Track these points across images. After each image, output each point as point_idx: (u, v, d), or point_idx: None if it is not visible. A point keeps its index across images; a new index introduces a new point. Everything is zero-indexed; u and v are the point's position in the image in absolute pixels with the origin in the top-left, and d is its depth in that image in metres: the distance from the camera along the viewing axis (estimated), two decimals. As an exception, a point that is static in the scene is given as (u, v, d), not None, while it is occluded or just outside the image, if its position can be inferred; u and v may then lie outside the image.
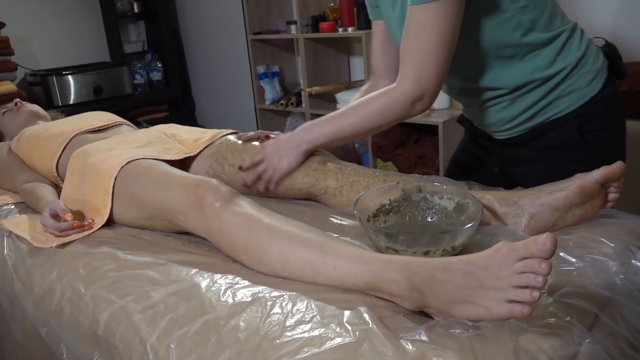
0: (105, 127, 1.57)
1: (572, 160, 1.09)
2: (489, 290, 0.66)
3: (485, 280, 0.66)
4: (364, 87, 1.28)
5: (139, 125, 3.57)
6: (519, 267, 0.64)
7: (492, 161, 1.26)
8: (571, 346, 0.64)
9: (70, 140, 1.47)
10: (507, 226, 0.96)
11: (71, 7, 3.47)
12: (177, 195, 1.04)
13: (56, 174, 1.46)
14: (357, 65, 2.82)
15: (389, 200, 1.02)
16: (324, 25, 2.52)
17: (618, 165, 0.89)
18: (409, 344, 0.67)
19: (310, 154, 1.19)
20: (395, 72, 1.06)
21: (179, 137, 1.41)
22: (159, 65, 3.65)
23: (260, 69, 2.89)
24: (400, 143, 2.45)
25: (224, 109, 3.71)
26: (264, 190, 1.20)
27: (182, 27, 3.76)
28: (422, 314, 0.76)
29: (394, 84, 1.02)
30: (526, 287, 0.63)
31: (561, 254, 0.82)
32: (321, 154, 1.24)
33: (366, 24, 2.41)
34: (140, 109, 3.63)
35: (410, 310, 0.76)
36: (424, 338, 0.68)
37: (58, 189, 1.44)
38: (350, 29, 2.44)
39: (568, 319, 0.68)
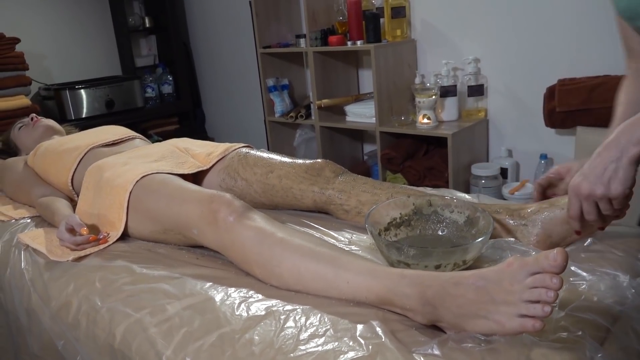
0: (119, 140, 1.60)
1: None
2: (501, 304, 0.67)
3: (497, 294, 0.67)
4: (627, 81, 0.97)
5: (150, 138, 3.62)
6: (530, 281, 0.65)
7: None
8: (583, 360, 0.65)
9: (85, 154, 1.49)
10: (518, 240, 0.97)
11: (84, 23, 3.53)
12: (191, 210, 1.06)
13: (71, 188, 1.48)
14: (365, 78, 2.84)
15: (400, 214, 1.03)
16: (332, 38, 2.54)
17: None
18: (422, 358, 0.68)
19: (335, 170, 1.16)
20: None
21: (192, 151, 1.44)
22: (170, 78, 3.69)
23: (270, 82, 2.92)
24: (409, 155, 2.46)
25: (234, 121, 3.74)
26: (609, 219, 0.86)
27: (192, 41, 3.81)
28: (434, 328, 0.76)
29: None
30: (538, 301, 0.64)
31: (572, 267, 0.83)
32: (333, 166, 1.25)
33: (375, 38, 2.43)
34: (151, 122, 3.67)
35: (423, 324, 0.76)
36: (436, 352, 0.68)
37: (73, 202, 1.47)
38: (359, 43, 2.46)
39: (580, 333, 0.69)
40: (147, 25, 3.66)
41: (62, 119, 3.16)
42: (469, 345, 0.69)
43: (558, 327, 0.70)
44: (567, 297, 0.75)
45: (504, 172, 2.29)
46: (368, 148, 2.95)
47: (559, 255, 0.63)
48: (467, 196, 1.25)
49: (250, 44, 3.26)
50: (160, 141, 3.63)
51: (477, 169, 2.26)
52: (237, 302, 0.86)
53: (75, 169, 1.48)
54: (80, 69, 3.51)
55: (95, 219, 1.27)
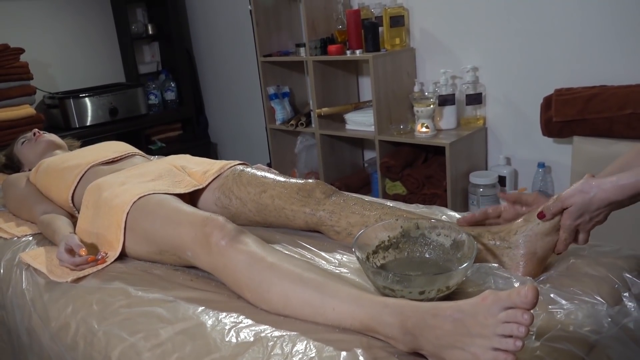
0: (119, 158, 1.63)
1: None
2: (476, 337, 0.69)
3: (472, 327, 0.70)
4: None
5: (153, 144, 3.66)
6: (503, 316, 0.67)
7: None
8: (556, 391, 0.67)
9: (85, 172, 1.53)
10: (504, 263, 0.99)
11: (88, 30, 3.57)
12: (185, 233, 1.09)
13: (72, 205, 1.52)
14: (365, 86, 2.86)
15: (389, 236, 1.05)
16: (332, 48, 2.56)
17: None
18: (402, 387, 0.71)
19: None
20: None
21: (189, 170, 1.47)
22: (173, 85, 3.73)
23: (271, 90, 2.94)
24: (408, 163, 2.48)
25: (237, 127, 3.77)
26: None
27: (195, 48, 3.84)
28: (416, 355, 0.79)
29: None
30: (510, 336, 0.66)
31: (552, 295, 0.85)
32: (324, 187, 1.27)
33: (374, 47, 2.45)
34: (154, 128, 3.71)
35: (405, 352, 0.79)
36: (416, 381, 0.71)
37: (74, 219, 1.50)
38: (358, 52, 2.48)
39: (554, 363, 0.71)
40: (150, 33, 3.70)
41: (66, 127, 3.21)
42: (448, 374, 0.72)
43: (533, 357, 0.72)
44: (544, 326, 0.78)
45: (502, 180, 2.31)
46: (368, 155, 2.97)
47: (529, 292, 0.65)
48: (456, 215, 1.27)
49: (251, 51, 3.29)
50: (164, 147, 3.67)
51: (475, 178, 2.28)
52: (227, 327, 0.89)
53: (76, 187, 1.51)
54: (84, 77, 3.56)
55: (94, 237, 1.31)
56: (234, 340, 0.86)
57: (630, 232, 1.76)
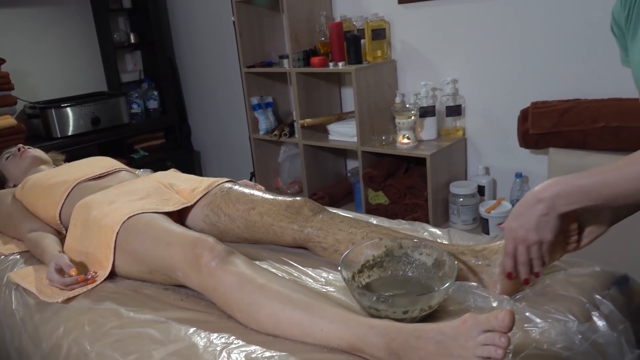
0: (105, 174, 1.64)
1: None
2: (457, 358, 0.74)
3: (454, 349, 0.74)
4: None
5: (136, 153, 3.66)
6: (482, 339, 0.72)
7: None
8: (532, 408, 0.72)
9: (72, 188, 1.54)
10: (483, 280, 1.04)
11: (69, 39, 3.55)
12: (175, 253, 1.12)
13: (59, 222, 1.53)
14: (348, 97, 2.90)
15: (373, 255, 1.10)
16: (315, 60, 2.60)
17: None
18: (387, 406, 0.74)
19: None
20: None
21: (177, 187, 1.49)
22: (155, 93, 3.73)
23: (254, 100, 2.97)
24: (390, 174, 2.53)
25: (220, 136, 3.78)
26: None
27: (177, 57, 3.85)
28: (400, 374, 0.83)
29: None
30: (489, 358, 0.71)
31: (527, 314, 0.90)
32: (312, 205, 1.31)
33: (356, 59, 2.50)
34: (137, 137, 3.71)
35: (390, 371, 0.83)
36: (400, 400, 0.75)
37: (61, 235, 1.52)
38: (340, 64, 2.52)
39: (530, 380, 0.76)
40: (133, 41, 3.70)
41: (47, 137, 3.19)
42: (431, 392, 0.76)
43: (511, 375, 0.77)
44: (520, 344, 0.82)
45: (481, 190, 2.37)
46: (351, 164, 3.02)
47: (506, 316, 0.70)
48: (437, 231, 1.32)
49: (234, 61, 3.31)
50: (146, 156, 3.66)
51: (456, 187, 2.34)
52: (218, 349, 0.92)
53: (63, 204, 1.53)
54: (65, 86, 3.54)
55: (83, 256, 1.32)
56: (225, 361, 0.89)
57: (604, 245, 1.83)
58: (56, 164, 1.94)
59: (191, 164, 3.85)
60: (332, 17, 2.79)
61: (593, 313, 0.91)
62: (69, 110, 3.24)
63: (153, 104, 3.73)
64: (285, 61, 2.74)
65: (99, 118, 3.35)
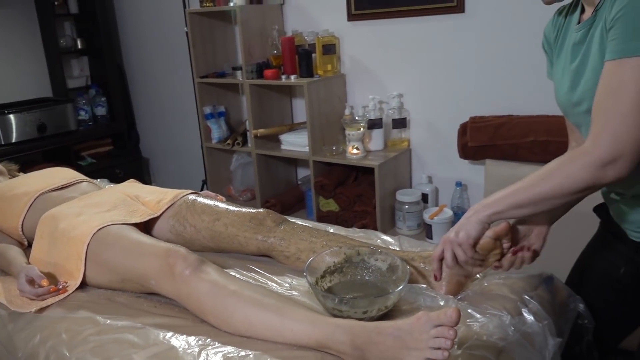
0: (67, 185, 1.67)
1: None
2: (412, 350, 0.86)
3: (409, 342, 0.86)
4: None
5: (83, 160, 3.62)
6: (433, 332, 0.84)
7: (619, 263, 1.11)
8: (474, 390, 0.85)
9: (34, 200, 1.57)
10: (430, 283, 1.18)
11: (13, 43, 3.47)
12: (148, 263, 1.19)
13: (21, 233, 1.55)
14: (298, 108, 3.02)
15: (334, 262, 1.21)
16: (268, 72, 2.70)
17: (504, 225, 1.07)
18: (353, 394, 0.86)
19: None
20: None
21: (142, 199, 1.55)
22: (103, 100, 3.70)
23: (207, 110, 3.03)
24: (340, 182, 2.66)
25: (170, 143, 3.79)
26: (465, 267, 1.10)
27: (126, 64, 3.83)
28: (362, 366, 0.95)
29: (584, 146, 0.89)
30: (439, 348, 0.84)
31: (469, 310, 1.04)
32: (274, 216, 1.41)
33: (307, 73, 2.62)
34: (84, 144, 3.67)
35: (353, 364, 0.94)
36: (364, 388, 0.87)
37: (23, 247, 1.54)
38: (292, 77, 2.63)
39: (472, 367, 0.89)
40: (79, 47, 3.66)
41: (-9, 144, 3.11)
42: (389, 381, 0.88)
43: (456, 363, 0.90)
44: (464, 336, 0.96)
45: (425, 198, 2.55)
46: (302, 173, 3.13)
47: (453, 313, 0.83)
48: (390, 239, 1.45)
49: (185, 70, 3.35)
50: (94, 163, 3.62)
51: (401, 195, 2.50)
52: (197, 350, 1.01)
53: (25, 215, 1.55)
54: (9, 90, 3.46)
55: (51, 267, 1.36)
56: (204, 361, 0.97)
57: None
58: (11, 174, 1.94)
59: (140, 172, 3.84)
60: (284, 31, 2.89)
61: (523, 309, 1.06)
62: (12, 117, 3.18)
63: (101, 111, 3.70)
64: (239, 72, 2.82)
65: (45, 125, 3.30)
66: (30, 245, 1.53)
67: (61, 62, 3.57)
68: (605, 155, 0.84)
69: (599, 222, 1.20)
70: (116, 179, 2.41)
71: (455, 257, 1.04)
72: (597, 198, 1.14)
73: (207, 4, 2.91)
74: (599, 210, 1.19)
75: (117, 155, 3.79)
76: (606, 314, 1.16)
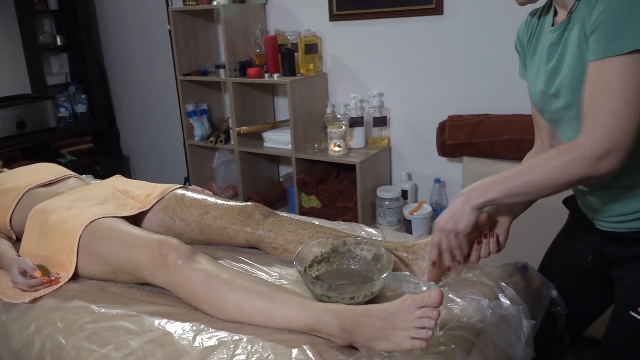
0: (55, 180, 1.69)
1: None
2: (398, 330, 0.92)
3: (396, 323, 0.92)
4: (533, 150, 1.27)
5: (63, 157, 3.60)
6: (418, 313, 0.90)
7: (587, 251, 1.18)
8: (455, 367, 0.92)
9: (23, 195, 1.58)
10: (413, 271, 1.24)
11: (-10, 39, 3.45)
12: (142, 254, 1.22)
13: (9, 227, 1.57)
14: (281, 106, 3.06)
15: (321, 252, 1.26)
16: (251, 71, 2.74)
17: (484, 215, 1.13)
18: (342, 373, 0.91)
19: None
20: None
21: (131, 193, 1.58)
22: (84, 97, 3.69)
23: (190, 107, 3.05)
24: (322, 179, 2.72)
25: (151, 141, 3.80)
26: (460, 259, 1.11)
27: (107, 61, 3.82)
28: (351, 348, 1.00)
29: (578, 140, 0.92)
30: (423, 328, 0.90)
31: (450, 295, 1.10)
32: (262, 209, 1.46)
33: (290, 72, 2.66)
34: (64, 141, 3.65)
35: (342, 346, 1.00)
36: (353, 367, 0.92)
37: (11, 241, 1.55)
38: (275, 76, 2.67)
39: (453, 346, 0.95)
40: (59, 44, 3.64)
41: (-31, 141, 3.08)
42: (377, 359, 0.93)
43: (438, 343, 0.96)
44: (445, 319, 1.02)
45: (404, 194, 2.62)
46: (284, 170, 3.18)
47: (437, 295, 0.89)
48: (373, 231, 1.51)
49: (167, 68, 3.37)
50: (74, 160, 3.61)
51: (382, 192, 2.56)
52: (192, 335, 1.05)
53: (14, 210, 1.56)
54: (-15, 87, 3.43)
55: (42, 260, 1.38)
56: (199, 345, 1.02)
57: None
58: (-4, 168, 1.94)
59: (120, 169, 3.83)
60: (267, 30, 2.94)
61: (500, 295, 1.13)
62: (-9, 113, 3.15)
63: (81, 108, 3.69)
64: (222, 71, 2.86)
65: (25, 122, 3.28)
66: (18, 239, 1.55)
67: (40, 58, 3.55)
68: (600, 149, 0.88)
69: (568, 213, 1.28)
70: (97, 176, 2.42)
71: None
72: (567, 191, 1.22)
73: (191, 3, 2.94)
74: (568, 202, 1.26)
75: (98, 153, 3.78)
76: (575, 300, 1.24)
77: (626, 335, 1.05)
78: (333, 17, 2.69)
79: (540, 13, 1.13)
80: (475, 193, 1.02)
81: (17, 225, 1.56)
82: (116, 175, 1.79)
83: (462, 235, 1.05)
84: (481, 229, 1.13)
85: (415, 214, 2.46)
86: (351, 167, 2.61)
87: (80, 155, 3.70)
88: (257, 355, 0.98)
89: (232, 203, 1.48)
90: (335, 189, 2.65)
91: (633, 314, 1.02)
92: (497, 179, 1.01)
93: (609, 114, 0.88)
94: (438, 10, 2.38)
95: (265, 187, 3.08)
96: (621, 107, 0.87)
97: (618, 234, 1.06)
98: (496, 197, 1.00)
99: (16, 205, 1.57)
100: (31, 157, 3.39)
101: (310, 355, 0.96)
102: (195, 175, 3.18)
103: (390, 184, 2.75)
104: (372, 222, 2.63)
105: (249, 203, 1.47)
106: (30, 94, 3.61)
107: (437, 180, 2.54)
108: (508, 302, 1.10)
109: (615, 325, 1.09)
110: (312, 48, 2.73)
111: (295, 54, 2.70)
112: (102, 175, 3.37)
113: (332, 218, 2.59)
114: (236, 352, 0.99)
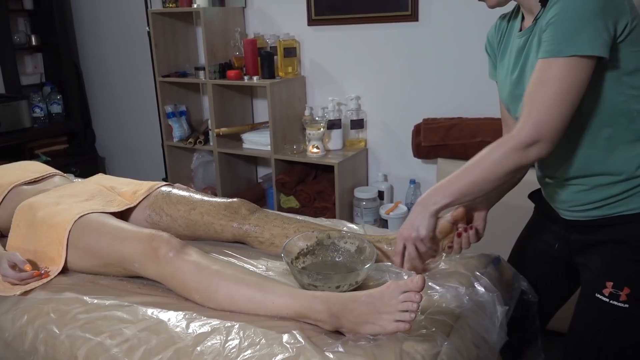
0: (40, 178, 1.70)
1: (633, 260, 1.08)
2: (383, 314, 0.98)
3: (380, 307, 0.98)
4: None
5: (37, 158, 3.57)
6: (402, 298, 0.97)
7: (553, 241, 1.27)
8: (436, 348, 0.98)
9: (8, 192, 1.59)
10: (395, 262, 1.30)
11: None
12: (132, 247, 1.25)
13: (-6, 224, 1.57)
14: (260, 108, 3.11)
15: (307, 245, 1.32)
16: (231, 73, 2.78)
17: (460, 210, 1.22)
18: (331, 354, 0.97)
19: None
20: None
21: (118, 190, 1.60)
22: (59, 97, 3.66)
23: (169, 109, 3.07)
24: (301, 179, 2.77)
25: (128, 142, 3.79)
26: (422, 267, 1.22)
27: (83, 62, 3.80)
28: (338, 333, 1.06)
29: (513, 131, 1.01)
30: (407, 311, 0.96)
31: (430, 283, 1.17)
32: (248, 205, 1.50)
33: (269, 74, 2.72)
34: (39, 142, 3.61)
35: (330, 331, 1.06)
36: (341, 349, 0.98)
37: (-4, 236, 1.56)
38: (255, 78, 2.72)
39: (434, 329, 1.02)
40: (34, 44, 3.61)
41: (-58, 140, 3.03)
42: (363, 342, 0.99)
43: (420, 326, 1.03)
44: (425, 305, 1.09)
45: (381, 195, 2.70)
46: (262, 171, 3.22)
47: (419, 280, 0.96)
48: (355, 227, 1.58)
49: (145, 68, 3.37)
50: (49, 161, 3.58)
51: (359, 192, 2.63)
52: (185, 323, 1.09)
53: (-1, 207, 1.57)
54: (-42, 87, 3.38)
55: (31, 254, 1.40)
56: (193, 332, 1.06)
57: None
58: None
59: (96, 170, 3.80)
60: (246, 33, 2.98)
61: (475, 283, 1.21)
62: (-36, 112, 3.11)
63: (56, 109, 3.66)
64: (202, 72, 2.89)
65: (-1, 121, 3.24)
66: (4, 236, 1.56)
67: (14, 58, 3.52)
68: (528, 139, 0.99)
69: (534, 207, 1.37)
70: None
71: (417, 249, 1.16)
72: (532, 186, 1.31)
73: (170, 5, 2.96)
74: (533, 196, 1.36)
75: (73, 154, 3.75)
76: (544, 288, 1.33)
77: (593, 317, 1.14)
78: (311, 22, 2.76)
79: (510, 17, 1.21)
80: (430, 201, 1.11)
81: (3, 223, 1.56)
82: (99, 174, 1.81)
83: (426, 240, 1.14)
84: (460, 222, 1.20)
85: (391, 213, 2.54)
86: (329, 168, 2.67)
87: (56, 156, 3.67)
88: (250, 340, 1.02)
89: (218, 199, 1.52)
90: (314, 189, 2.71)
91: (598, 295, 1.11)
92: (447, 182, 1.10)
93: (541, 108, 0.97)
94: (413, 17, 2.47)
95: (244, 188, 3.12)
96: (552, 105, 0.96)
97: (581, 222, 1.15)
98: (450, 201, 1.09)
99: (1, 202, 1.57)
100: (5, 157, 3.34)
101: (300, 339, 1.01)
102: (174, 176, 3.20)
103: (367, 184, 2.83)
104: (349, 221, 2.68)
105: (235, 199, 1.52)
106: (4, 93, 3.57)
107: (412, 181, 2.63)
108: (483, 289, 1.18)
109: (582, 309, 1.17)
110: (291, 51, 2.79)
111: (275, 57, 2.76)
112: (78, 175, 3.35)
113: (311, 218, 2.65)
114: (229, 338, 1.03)
